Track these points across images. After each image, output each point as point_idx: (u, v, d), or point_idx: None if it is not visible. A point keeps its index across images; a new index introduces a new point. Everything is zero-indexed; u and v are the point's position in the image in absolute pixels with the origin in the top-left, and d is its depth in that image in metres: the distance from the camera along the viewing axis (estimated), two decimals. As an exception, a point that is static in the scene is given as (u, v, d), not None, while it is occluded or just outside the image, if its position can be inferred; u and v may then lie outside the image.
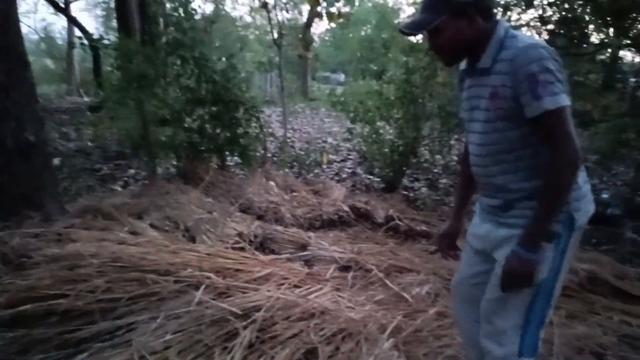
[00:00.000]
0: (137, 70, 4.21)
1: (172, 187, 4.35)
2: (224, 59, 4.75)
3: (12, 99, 2.87)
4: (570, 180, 1.27)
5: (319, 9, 6.40)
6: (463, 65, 1.49)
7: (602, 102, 3.36)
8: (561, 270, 1.39)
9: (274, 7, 6.11)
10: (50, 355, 1.93)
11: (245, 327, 2.00)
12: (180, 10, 4.24)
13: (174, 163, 5.36)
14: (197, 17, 4.31)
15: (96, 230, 3.08)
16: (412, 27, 1.40)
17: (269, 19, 6.28)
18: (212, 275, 2.35)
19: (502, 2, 4.18)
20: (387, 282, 2.81)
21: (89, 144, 7.67)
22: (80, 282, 2.11)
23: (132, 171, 6.11)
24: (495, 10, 1.47)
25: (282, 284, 2.41)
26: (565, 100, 1.24)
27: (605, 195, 4.89)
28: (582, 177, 1.40)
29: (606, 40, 3.25)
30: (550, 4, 3.75)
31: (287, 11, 7.50)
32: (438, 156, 6.21)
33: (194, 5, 4.39)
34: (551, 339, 2.23)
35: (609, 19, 3.39)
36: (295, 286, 2.43)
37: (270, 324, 2.06)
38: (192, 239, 3.43)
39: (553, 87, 1.23)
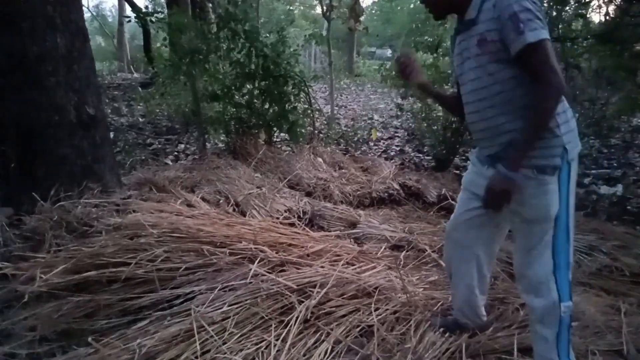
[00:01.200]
0: (189, 46, 4.23)
1: (222, 162, 4.40)
2: (270, 34, 4.70)
3: (73, 73, 2.94)
4: (553, 107, 1.39)
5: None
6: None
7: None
8: (569, 202, 1.52)
9: (324, -21, 5.97)
10: (112, 320, 2.00)
11: (300, 302, 2.00)
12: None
13: (223, 138, 5.42)
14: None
15: (152, 202, 3.15)
16: None
17: (318, -8, 6.14)
18: (266, 248, 2.35)
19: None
20: (442, 262, 2.72)
21: (140, 119, 7.90)
22: (141, 251, 2.16)
23: (182, 146, 6.24)
24: None
25: (335, 261, 2.39)
26: (545, 34, 1.36)
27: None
28: (569, 112, 1.52)
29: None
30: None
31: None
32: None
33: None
34: (619, 327, 2.10)
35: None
36: (348, 263, 2.40)
37: (325, 300, 2.04)
38: (242, 213, 3.47)
39: (533, 23, 1.35)
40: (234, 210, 3.51)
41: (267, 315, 1.93)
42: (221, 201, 3.64)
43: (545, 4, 4.20)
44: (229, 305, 1.98)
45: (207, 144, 5.21)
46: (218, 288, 2.07)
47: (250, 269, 2.16)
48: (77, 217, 2.45)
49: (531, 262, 1.57)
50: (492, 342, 1.87)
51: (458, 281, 1.91)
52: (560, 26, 4.29)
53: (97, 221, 2.42)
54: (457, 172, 5.28)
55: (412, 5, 25.24)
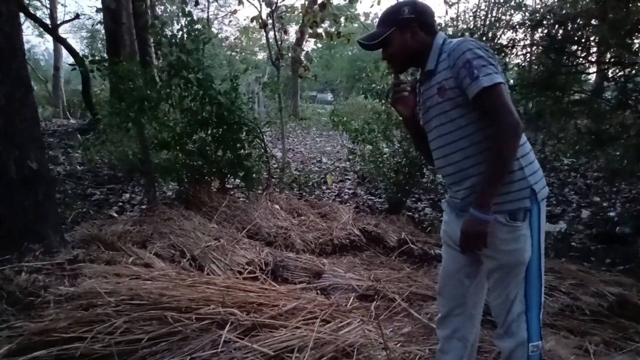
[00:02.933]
0: (138, 93, 4.08)
1: (174, 212, 4.19)
2: (223, 82, 4.66)
3: (14, 126, 2.71)
4: (511, 146, 1.42)
5: (319, 30, 6.39)
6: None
7: (616, 120, 3.39)
8: (540, 244, 1.55)
9: (272, 27, 6.06)
10: (66, 406, 1.76)
11: (278, 370, 1.87)
12: (185, 31, 4.14)
13: (173, 187, 5.20)
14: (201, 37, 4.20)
15: (102, 262, 2.91)
16: (367, 39, 1.65)
17: (267, 40, 6.21)
18: (235, 311, 2.20)
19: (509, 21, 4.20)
20: (413, 312, 2.69)
21: (79, 167, 7.45)
22: (97, 322, 1.95)
23: (127, 196, 5.92)
24: (435, 26, 1.66)
25: (310, 319, 2.28)
26: (499, 78, 1.42)
27: (612, 214, 4.87)
28: (531, 154, 1.56)
29: (621, 59, 3.27)
30: (556, 22, 3.76)
31: (285, 32, 7.47)
32: (439, 176, 6.19)
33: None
34: (593, 370, 2.15)
35: (614, 39, 3.40)
36: (324, 321, 2.30)
37: (305, 366, 1.92)
38: (200, 268, 3.29)
39: (486, 68, 1.42)
40: (190, 265, 3.32)
41: (243, 388, 1.78)
42: (176, 256, 3.45)
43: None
44: (201, 379, 1.81)
45: (156, 192, 4.97)
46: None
47: (221, 336, 2.00)
48: (21, 286, 2.19)
49: (506, 304, 1.59)
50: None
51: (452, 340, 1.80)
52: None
53: (44, 290, 2.16)
54: (410, 214, 5.38)
55: (350, 53, 26.37)
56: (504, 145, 1.42)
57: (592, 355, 2.28)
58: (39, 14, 13.94)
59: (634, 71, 3.42)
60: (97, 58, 4.11)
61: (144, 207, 5.07)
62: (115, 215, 4.95)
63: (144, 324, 2.05)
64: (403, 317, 2.69)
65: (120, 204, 5.59)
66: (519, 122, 1.42)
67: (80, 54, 10.67)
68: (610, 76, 3.63)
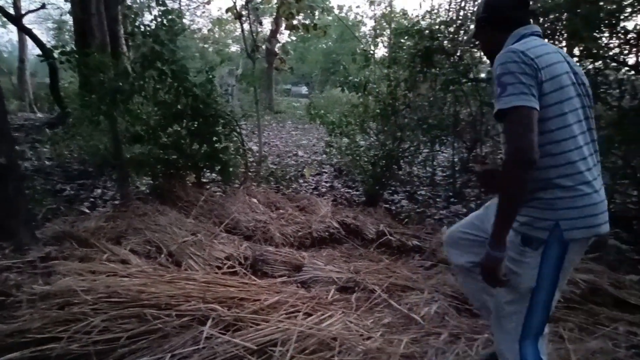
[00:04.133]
0: (110, 86, 3.96)
1: (149, 207, 4.11)
2: (198, 73, 4.57)
3: (-21, 119, 2.60)
4: (517, 176, 1.31)
5: (294, 22, 6.33)
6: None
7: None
8: (553, 282, 1.43)
9: (247, 18, 5.98)
10: (42, 408, 1.71)
11: (262, 364, 1.86)
12: (158, 21, 4.03)
13: (147, 181, 5.09)
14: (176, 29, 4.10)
15: (76, 259, 2.83)
16: (469, 37, 1.89)
17: (242, 31, 6.12)
18: (216, 306, 2.18)
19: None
20: (393, 302, 2.72)
21: (47, 162, 7.20)
22: (74, 322, 1.90)
23: (98, 191, 5.76)
24: (515, 22, 1.53)
25: (292, 313, 2.27)
26: (519, 101, 1.31)
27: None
28: (583, 188, 1.38)
29: (592, 52, 3.36)
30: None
31: (260, 23, 7.38)
32: (415, 168, 6.25)
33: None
34: (567, 355, 2.22)
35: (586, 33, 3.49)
36: (306, 314, 2.30)
37: (288, 359, 1.92)
38: (177, 264, 3.24)
39: (511, 87, 1.32)
40: (167, 261, 3.27)
41: (227, 383, 1.77)
42: (152, 252, 3.38)
43: (459, 49, 4.56)
44: (182, 376, 1.78)
45: (129, 187, 4.85)
46: (167, 357, 1.86)
47: (202, 332, 1.98)
48: (-9, 287, 2.10)
49: (500, 321, 1.56)
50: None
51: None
52: (474, 69, 4.66)
53: (16, 289, 2.08)
54: (387, 206, 5.42)
55: (324, 46, 26.27)
56: (508, 172, 1.34)
57: (566, 340, 2.35)
58: (1, 2, 13.34)
59: (603, 64, 3.52)
60: (66, 49, 3.97)
61: (116, 202, 4.94)
62: (87, 211, 4.81)
63: (123, 322, 2.01)
64: (383, 307, 2.71)
65: (92, 199, 5.44)
66: (525, 151, 1.28)
67: (47, 45, 10.27)
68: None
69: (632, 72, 3.61)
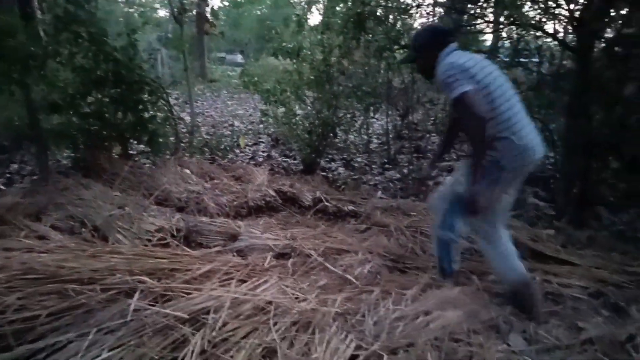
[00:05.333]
0: (22, 50, 3.58)
1: (71, 181, 3.85)
2: (118, 36, 4.25)
3: None
4: (479, 139, 2.06)
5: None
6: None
7: (509, 76, 3.68)
8: (489, 193, 2.15)
9: (173, -20, 5.62)
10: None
11: (194, 333, 1.82)
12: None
13: (69, 154, 4.75)
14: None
15: (-13, 237, 2.60)
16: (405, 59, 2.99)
17: (168, -7, 5.76)
18: (145, 278, 2.10)
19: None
20: (328, 265, 2.76)
21: (-47, 136, 6.50)
22: (-16, 303, 1.74)
23: (15, 166, 5.32)
24: (443, 45, 2.25)
25: (226, 281, 2.24)
26: (463, 88, 2.01)
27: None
28: (510, 133, 2.11)
29: (514, 20, 3.50)
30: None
31: (187, -15, 6.96)
32: (351, 136, 6.31)
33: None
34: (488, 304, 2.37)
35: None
36: (241, 281, 2.27)
37: (221, 326, 1.89)
38: (104, 239, 3.07)
39: (455, 84, 2.04)
40: (93, 236, 3.09)
41: (157, 355, 1.71)
42: (76, 227, 3.18)
43: (391, 16, 4.58)
44: (109, 351, 1.71)
45: (49, 161, 4.51)
46: (92, 332, 1.77)
47: (130, 305, 1.90)
48: None
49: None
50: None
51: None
52: (405, 36, 4.71)
53: None
54: (324, 173, 5.46)
55: (258, 12, 25.45)
56: (472, 139, 2.13)
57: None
58: None
59: (525, 31, 3.68)
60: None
61: (35, 177, 4.59)
62: (2, 187, 4.44)
63: (42, 299, 1.88)
64: (319, 271, 2.75)
65: (8, 175, 5.02)
66: (478, 125, 2.01)
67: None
68: (505, 36, 3.91)
69: (550, 40, 3.81)
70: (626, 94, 3.30)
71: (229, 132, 7.76)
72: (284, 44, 5.11)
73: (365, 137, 6.64)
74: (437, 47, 2.23)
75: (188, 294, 2.04)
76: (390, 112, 6.17)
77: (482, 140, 2.03)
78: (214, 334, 1.82)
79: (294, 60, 5.07)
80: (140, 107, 4.36)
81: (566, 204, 3.83)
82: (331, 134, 5.28)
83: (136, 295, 1.95)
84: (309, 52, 4.96)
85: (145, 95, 4.39)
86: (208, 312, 1.91)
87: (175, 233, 3.23)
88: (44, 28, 3.88)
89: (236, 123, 8.91)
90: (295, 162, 5.92)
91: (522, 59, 3.57)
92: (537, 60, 3.71)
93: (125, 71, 4.04)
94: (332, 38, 4.80)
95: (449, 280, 2.51)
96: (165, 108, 4.82)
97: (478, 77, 2.07)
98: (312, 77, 4.81)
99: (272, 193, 3.91)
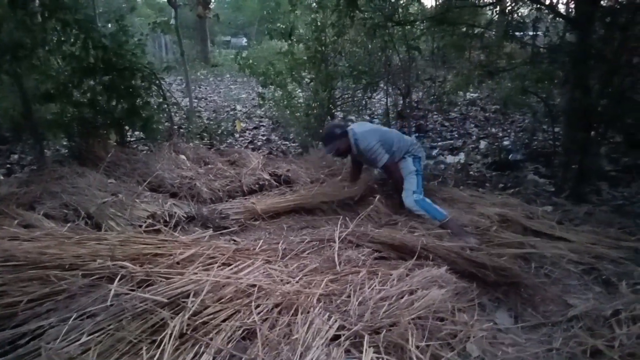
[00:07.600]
0: (10, 39, 3.56)
1: (67, 170, 3.87)
2: (109, 23, 4.22)
3: None
4: (397, 176, 3.33)
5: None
6: None
7: (503, 50, 3.57)
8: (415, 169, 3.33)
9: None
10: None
11: (173, 317, 1.82)
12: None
13: (65, 143, 4.77)
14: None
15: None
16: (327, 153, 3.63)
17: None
18: (127, 263, 2.09)
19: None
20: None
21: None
22: (-36, 291, 1.76)
23: (15, 157, 5.37)
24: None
25: (210, 264, 2.23)
26: (384, 159, 3.25)
27: (506, 142, 5.24)
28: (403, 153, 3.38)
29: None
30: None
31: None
32: (351, 117, 6.24)
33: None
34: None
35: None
36: (224, 264, 2.26)
37: (202, 309, 1.89)
38: (97, 226, 3.09)
39: (377, 155, 3.23)
40: (86, 224, 3.11)
41: (135, 338, 1.72)
42: (70, 216, 3.20)
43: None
44: (89, 335, 1.71)
45: (45, 150, 4.54)
46: (73, 317, 1.78)
47: (110, 290, 1.90)
48: None
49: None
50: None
51: None
52: (400, 11, 4.59)
53: None
54: (323, 156, 5.41)
55: (261, -7, 25.02)
56: (395, 182, 3.35)
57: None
58: None
59: (519, 4, 3.56)
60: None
61: (34, 167, 4.63)
62: (0, 177, 4.48)
63: (23, 285, 1.89)
64: (309, 254, 2.73)
65: (9, 165, 5.08)
66: (399, 177, 3.31)
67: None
68: (498, 9, 3.78)
69: (547, 11, 3.69)
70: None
71: (230, 117, 7.74)
72: (278, 24, 5.03)
73: (367, 117, 6.57)
74: (344, 136, 3.27)
75: (169, 278, 2.03)
76: (390, 91, 6.07)
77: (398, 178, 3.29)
78: (193, 317, 1.82)
79: (289, 41, 4.98)
80: (134, 93, 4.34)
81: (566, 180, 3.76)
82: (328, 116, 5.21)
83: (117, 281, 1.94)
84: (303, 32, 4.87)
85: (137, 82, 4.36)
86: (188, 296, 1.91)
87: (167, 219, 3.23)
88: (30, 15, 3.85)
89: (238, 107, 8.87)
90: (295, 145, 5.88)
91: (516, 33, 3.46)
92: (531, 33, 3.59)
93: (115, 58, 4.00)
94: (326, 16, 4.70)
95: (451, 222, 2.86)
96: (160, 93, 4.79)
97: (384, 139, 3.27)
98: (305, 58, 4.73)
99: (266, 177, 3.88)
